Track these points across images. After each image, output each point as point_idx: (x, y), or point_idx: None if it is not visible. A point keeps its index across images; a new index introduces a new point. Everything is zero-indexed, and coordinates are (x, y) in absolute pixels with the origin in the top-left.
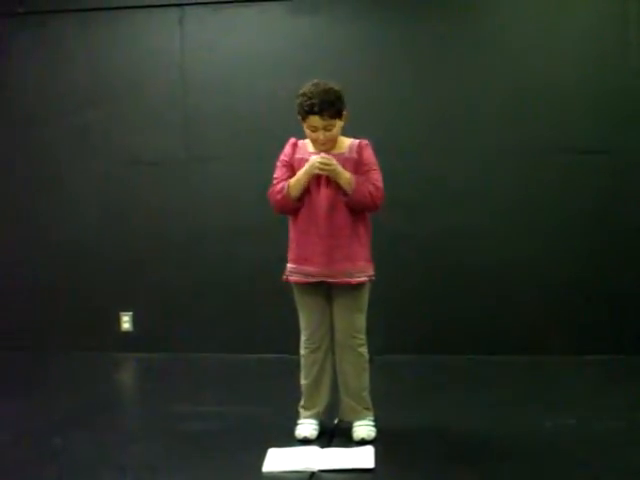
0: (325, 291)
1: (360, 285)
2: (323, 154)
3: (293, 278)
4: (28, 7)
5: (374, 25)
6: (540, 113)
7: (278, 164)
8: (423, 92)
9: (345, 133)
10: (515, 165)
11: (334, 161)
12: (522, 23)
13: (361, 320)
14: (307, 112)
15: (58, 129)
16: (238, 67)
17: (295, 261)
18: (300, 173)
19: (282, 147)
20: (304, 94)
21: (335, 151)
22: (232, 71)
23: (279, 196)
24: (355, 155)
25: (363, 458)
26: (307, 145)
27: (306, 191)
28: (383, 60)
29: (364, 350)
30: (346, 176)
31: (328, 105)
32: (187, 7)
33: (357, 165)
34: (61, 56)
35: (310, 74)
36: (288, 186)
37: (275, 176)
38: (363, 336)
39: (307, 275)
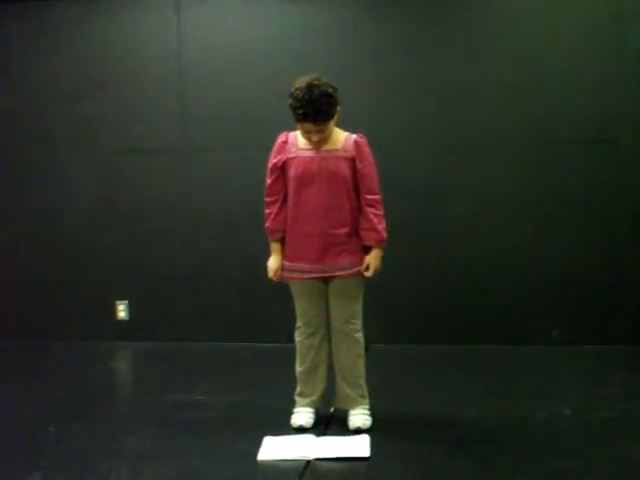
0: (321, 280)
1: (354, 276)
2: None
3: (288, 275)
4: None
5: (367, 11)
6: (539, 104)
7: (269, 167)
8: (420, 80)
9: (339, 120)
10: (513, 155)
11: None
12: (522, 12)
13: (357, 306)
14: (300, 119)
15: (55, 117)
16: (235, 55)
17: (290, 259)
18: (269, 261)
19: (279, 135)
20: (297, 99)
21: (328, 146)
22: (229, 59)
23: (266, 230)
24: (350, 154)
25: (358, 447)
26: (298, 139)
27: (300, 192)
28: (377, 46)
29: (360, 336)
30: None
31: (321, 114)
32: None
33: (352, 164)
34: (58, 44)
35: (306, 60)
36: (270, 239)
37: (266, 179)
38: (359, 322)
39: (302, 272)
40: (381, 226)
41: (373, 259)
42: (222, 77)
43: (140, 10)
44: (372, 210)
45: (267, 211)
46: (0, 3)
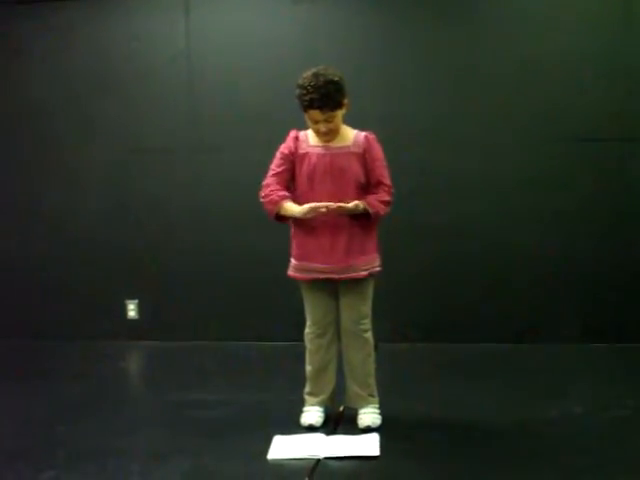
0: (331, 283)
1: (366, 277)
2: (325, 205)
3: (298, 275)
4: None
5: (377, 10)
6: (541, 102)
7: (277, 154)
8: (426, 78)
9: (346, 119)
10: (518, 153)
11: (334, 205)
12: (526, 8)
13: (367, 307)
14: (307, 107)
15: (64, 117)
16: (244, 54)
17: (299, 257)
18: (296, 211)
19: (287, 135)
20: (303, 87)
21: (339, 143)
22: (238, 58)
23: (268, 207)
24: (360, 149)
25: (368, 445)
26: (309, 137)
27: (311, 188)
28: (387, 46)
29: (369, 336)
30: (350, 208)
31: (328, 100)
32: None
33: (363, 159)
34: (67, 44)
35: (315, 60)
36: (279, 206)
37: (272, 167)
38: (369, 322)
39: (312, 272)
40: (380, 206)
41: (345, 206)
42: (231, 77)
43: (149, 10)
44: (376, 196)
45: (268, 190)
46: (7, 4)
